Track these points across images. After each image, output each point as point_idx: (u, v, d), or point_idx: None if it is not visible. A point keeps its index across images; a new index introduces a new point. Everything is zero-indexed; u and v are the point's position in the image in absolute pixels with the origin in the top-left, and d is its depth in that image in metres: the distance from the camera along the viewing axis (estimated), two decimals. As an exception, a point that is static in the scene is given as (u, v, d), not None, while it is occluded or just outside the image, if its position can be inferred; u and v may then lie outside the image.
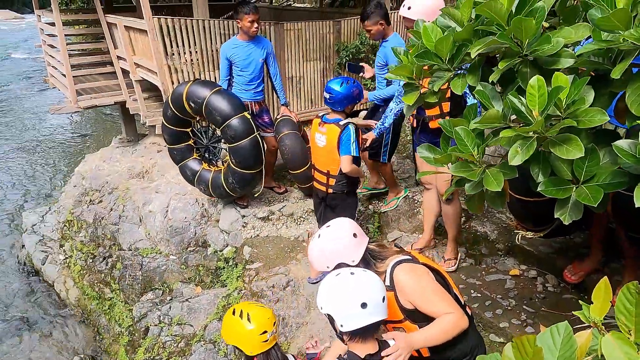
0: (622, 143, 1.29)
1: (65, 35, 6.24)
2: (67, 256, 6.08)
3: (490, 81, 1.61)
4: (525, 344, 0.94)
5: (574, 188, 1.45)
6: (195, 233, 4.82)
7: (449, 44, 1.69)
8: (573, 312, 1.16)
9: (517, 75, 1.55)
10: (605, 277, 1.07)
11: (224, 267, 4.45)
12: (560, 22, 1.66)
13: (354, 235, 1.90)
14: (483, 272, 3.31)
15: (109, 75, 6.92)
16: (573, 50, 1.46)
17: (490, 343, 2.76)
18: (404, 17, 2.93)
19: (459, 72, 1.78)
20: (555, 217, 1.51)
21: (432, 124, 3.11)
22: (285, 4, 11.83)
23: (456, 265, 3.47)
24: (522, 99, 1.42)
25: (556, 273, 3.09)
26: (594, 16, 1.35)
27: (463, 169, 1.70)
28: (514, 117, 1.50)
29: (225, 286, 4.29)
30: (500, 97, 1.64)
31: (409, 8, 2.84)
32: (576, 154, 1.34)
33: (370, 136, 3.43)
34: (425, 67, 1.85)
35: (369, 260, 1.90)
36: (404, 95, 1.91)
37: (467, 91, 2.91)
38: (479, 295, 3.05)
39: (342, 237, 1.88)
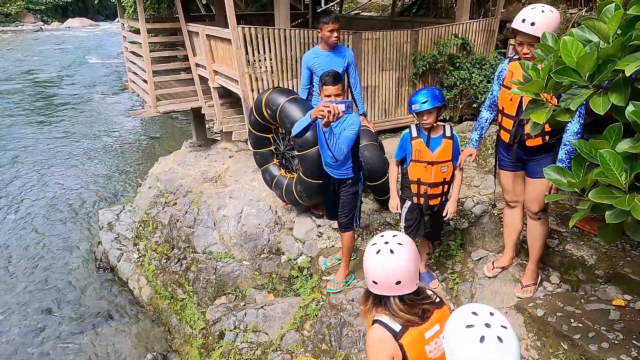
0: None
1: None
2: (140, 255, 6.30)
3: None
4: None
5: None
6: (269, 240, 4.85)
7: (593, 60, 1.57)
8: None
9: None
10: None
11: (297, 276, 4.44)
12: None
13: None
14: (582, 300, 3.09)
15: (185, 82, 7.17)
16: None
17: (595, 379, 2.55)
18: (520, 32, 2.70)
19: (599, 90, 1.65)
20: None
21: (530, 142, 2.95)
22: (353, 12, 11.85)
23: (534, 292, 3.27)
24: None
25: (669, 307, 2.83)
26: None
27: (606, 195, 1.56)
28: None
29: (299, 295, 4.27)
30: (655, 119, 1.50)
31: (533, 24, 2.60)
32: None
33: (473, 151, 3.33)
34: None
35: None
36: (532, 112, 1.79)
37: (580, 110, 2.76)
38: (581, 325, 2.84)
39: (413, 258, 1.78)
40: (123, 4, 15.79)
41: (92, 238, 7.48)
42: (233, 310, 4.35)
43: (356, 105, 4.58)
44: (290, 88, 5.10)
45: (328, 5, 13.84)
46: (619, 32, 1.62)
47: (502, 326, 1.31)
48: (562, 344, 2.81)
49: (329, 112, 2.83)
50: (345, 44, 5.30)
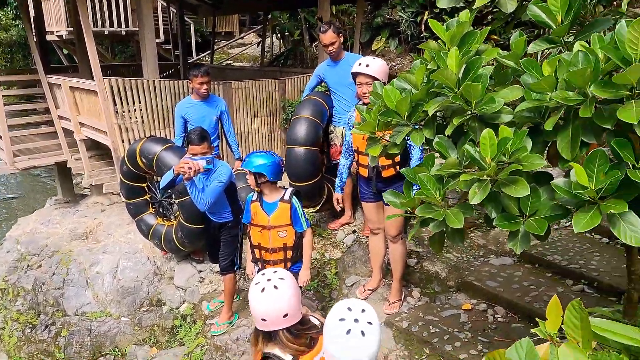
0: (559, 181, 1.57)
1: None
2: (-1, 328, 5.63)
3: (445, 134, 1.89)
4: (497, 357, 1.14)
5: (523, 221, 1.71)
6: (149, 292, 4.71)
7: (407, 104, 1.97)
8: (531, 329, 1.36)
9: (468, 128, 1.84)
10: (555, 296, 1.28)
11: (181, 325, 4.36)
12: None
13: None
14: (438, 309, 3.53)
15: (47, 136, 6.76)
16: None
17: (452, 375, 2.94)
18: (359, 74, 3.23)
19: (416, 126, 2.06)
20: (509, 247, 1.76)
21: (385, 173, 3.39)
22: (225, 63, 12.19)
23: (399, 308, 3.67)
24: (476, 148, 1.69)
25: (503, 305, 3.38)
26: (526, 81, 1.68)
27: (427, 210, 1.93)
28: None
29: (184, 344, 4.19)
30: (454, 147, 1.92)
31: (367, 66, 3.19)
32: (523, 192, 1.60)
33: (339, 196, 3.67)
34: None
35: None
36: (369, 148, 2.15)
37: (411, 144, 3.29)
38: (438, 330, 3.25)
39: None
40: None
41: None
42: (112, 371, 4.12)
43: (232, 151, 4.78)
44: (164, 137, 5.12)
45: (199, 56, 14.07)
46: (425, 80, 2.05)
47: (369, 322, 1.53)
48: (424, 349, 3.19)
49: (189, 168, 3.05)
50: (217, 94, 5.51)
